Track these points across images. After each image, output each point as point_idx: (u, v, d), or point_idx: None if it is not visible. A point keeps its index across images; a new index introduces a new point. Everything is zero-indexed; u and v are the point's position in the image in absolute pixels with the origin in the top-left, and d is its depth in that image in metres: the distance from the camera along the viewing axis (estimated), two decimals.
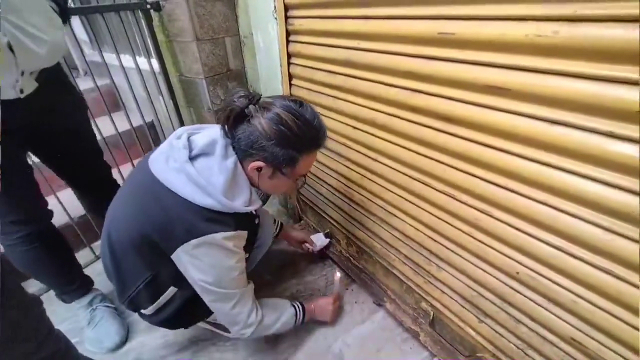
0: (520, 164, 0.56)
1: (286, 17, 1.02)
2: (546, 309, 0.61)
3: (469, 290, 0.76)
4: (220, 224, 0.70)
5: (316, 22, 0.92)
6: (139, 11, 1.35)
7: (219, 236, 0.69)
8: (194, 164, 0.69)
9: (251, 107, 0.66)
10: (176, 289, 0.82)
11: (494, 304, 0.71)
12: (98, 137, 1.11)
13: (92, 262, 1.36)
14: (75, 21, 1.77)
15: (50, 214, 0.96)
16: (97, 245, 1.39)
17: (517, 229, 0.61)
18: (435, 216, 0.77)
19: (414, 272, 0.92)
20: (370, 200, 0.98)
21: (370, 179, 0.95)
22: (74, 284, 1.07)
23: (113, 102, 1.59)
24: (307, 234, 1.28)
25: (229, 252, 0.72)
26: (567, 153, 0.50)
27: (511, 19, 0.50)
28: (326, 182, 1.18)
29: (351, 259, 1.22)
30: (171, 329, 0.97)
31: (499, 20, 0.52)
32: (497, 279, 0.68)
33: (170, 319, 0.86)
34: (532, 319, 0.65)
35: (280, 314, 0.90)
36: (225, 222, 0.70)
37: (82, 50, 1.33)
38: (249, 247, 0.84)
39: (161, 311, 0.85)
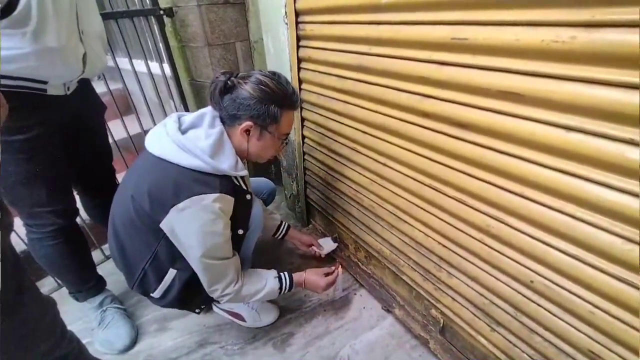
0: (535, 171, 0.55)
1: (297, 23, 1.03)
2: (562, 320, 0.60)
3: (480, 298, 0.75)
4: (207, 185, 0.76)
5: (327, 28, 0.92)
6: (152, 17, 1.38)
7: (205, 197, 0.74)
8: (184, 135, 0.78)
9: (233, 79, 0.78)
10: (175, 271, 0.88)
11: (507, 313, 0.70)
12: (109, 139, 1.14)
13: (101, 262, 1.38)
14: None
15: (77, 211, 1.01)
16: (107, 247, 1.41)
17: (531, 236, 0.60)
18: (446, 222, 0.77)
19: (424, 279, 0.91)
20: (380, 205, 0.98)
21: (379, 184, 0.94)
22: (89, 283, 1.09)
23: (125, 106, 1.62)
24: (314, 237, 1.28)
25: (214, 216, 0.76)
26: (584, 160, 0.49)
27: (527, 24, 0.50)
28: (334, 187, 1.18)
29: (359, 263, 1.21)
30: (181, 309, 1.02)
31: (514, 26, 0.51)
32: (510, 287, 0.67)
33: (177, 301, 0.93)
34: (547, 329, 0.63)
35: (263, 286, 0.93)
36: (211, 184, 0.76)
37: None
38: (244, 223, 0.91)
39: (167, 293, 0.91)
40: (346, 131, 1.00)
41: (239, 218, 0.86)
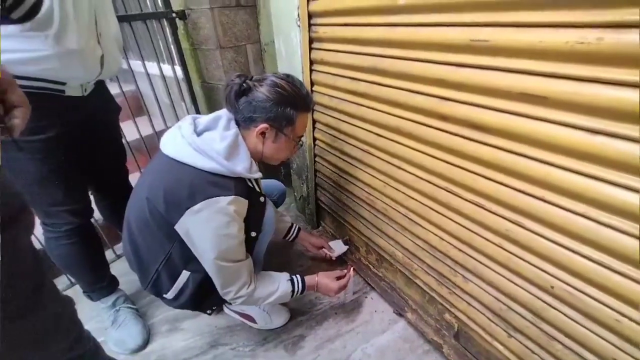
0: (557, 174, 0.54)
1: (309, 25, 1.03)
2: (584, 327, 0.58)
3: (497, 304, 0.74)
4: (222, 187, 0.76)
5: (340, 30, 0.92)
6: (165, 20, 1.40)
7: (220, 200, 0.75)
8: (199, 137, 0.79)
9: (248, 81, 0.79)
10: (189, 273, 0.88)
11: (525, 319, 0.69)
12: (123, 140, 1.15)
13: (113, 261, 1.39)
14: None
15: (92, 211, 1.03)
16: (118, 246, 1.43)
17: (552, 241, 0.58)
18: (462, 226, 0.76)
19: (438, 283, 0.89)
20: (393, 208, 0.97)
21: (393, 187, 0.94)
22: (103, 282, 1.10)
23: (137, 108, 1.64)
24: (325, 239, 1.28)
25: (229, 218, 0.77)
26: (609, 164, 0.48)
27: (550, 25, 0.49)
28: (346, 189, 1.17)
29: (370, 266, 1.20)
30: (194, 310, 1.02)
31: (537, 27, 0.50)
32: (529, 292, 0.66)
33: (190, 302, 0.93)
34: (568, 336, 0.62)
35: (276, 289, 0.92)
36: (226, 186, 0.77)
37: None
38: (257, 225, 0.90)
39: (180, 295, 0.91)
40: (359, 133, 1.00)
41: (252, 220, 0.87)
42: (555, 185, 0.55)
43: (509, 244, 0.67)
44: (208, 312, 1.04)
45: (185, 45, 1.50)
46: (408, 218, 0.92)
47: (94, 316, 1.15)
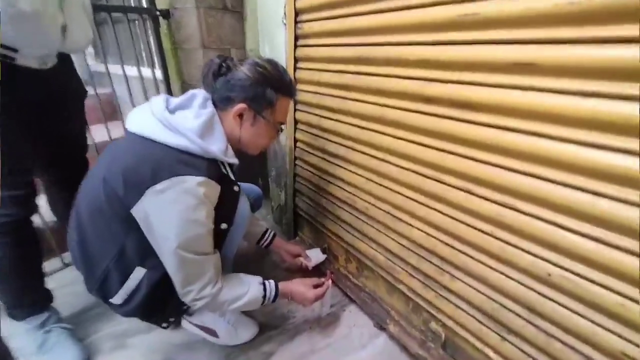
0: (548, 145, 0.52)
1: (295, 22, 1.03)
2: (585, 318, 0.53)
3: (489, 303, 0.67)
4: (192, 167, 0.68)
5: (327, 23, 0.92)
6: (148, 17, 1.36)
7: (189, 179, 0.66)
8: (171, 115, 0.71)
9: (229, 62, 0.75)
10: (144, 271, 0.75)
11: (520, 317, 0.62)
12: (90, 142, 1.07)
13: (57, 270, 1.22)
14: None
15: (35, 207, 0.88)
16: (67, 255, 1.25)
17: (547, 221, 0.54)
18: (451, 217, 0.71)
19: (423, 285, 0.82)
20: (375, 206, 0.92)
21: (376, 182, 0.89)
22: (34, 296, 0.92)
23: (111, 113, 1.54)
24: (302, 247, 1.19)
25: (198, 201, 0.67)
26: (604, 128, 0.46)
27: None
28: (326, 191, 1.12)
29: (350, 276, 1.11)
30: (146, 320, 0.86)
31: None
32: (523, 284, 0.60)
33: (141, 308, 0.79)
34: (568, 332, 0.56)
35: (245, 292, 0.81)
36: (197, 166, 0.68)
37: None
38: (229, 217, 0.80)
39: (131, 299, 0.77)
40: (342, 129, 0.96)
41: (224, 211, 0.78)
42: (548, 158, 0.52)
43: (501, 232, 0.62)
44: (163, 325, 0.89)
45: (166, 44, 1.46)
46: (391, 215, 0.87)
47: (21, 333, 0.96)
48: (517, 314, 0.63)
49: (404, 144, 0.77)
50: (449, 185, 0.69)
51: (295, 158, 1.25)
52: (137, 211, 0.68)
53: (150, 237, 0.71)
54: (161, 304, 0.82)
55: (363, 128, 0.88)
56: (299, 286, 0.91)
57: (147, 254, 0.73)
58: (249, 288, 0.82)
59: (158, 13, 1.37)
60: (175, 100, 0.77)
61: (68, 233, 0.82)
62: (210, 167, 0.71)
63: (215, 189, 0.72)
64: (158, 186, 0.65)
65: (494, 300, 0.66)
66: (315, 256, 1.18)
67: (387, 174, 0.85)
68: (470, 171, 0.64)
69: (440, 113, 0.67)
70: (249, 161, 0.90)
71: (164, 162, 0.67)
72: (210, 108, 0.75)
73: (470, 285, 0.70)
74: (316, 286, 0.94)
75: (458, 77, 0.62)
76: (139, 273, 0.76)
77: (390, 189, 0.85)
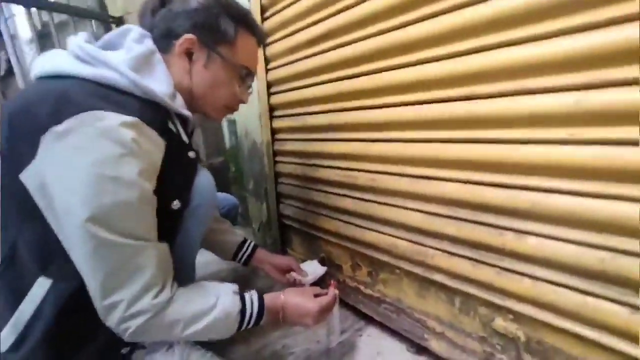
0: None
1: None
2: None
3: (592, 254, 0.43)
4: (116, 104, 0.45)
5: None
6: (100, 24, 1.23)
7: (107, 115, 0.43)
8: (91, 46, 0.50)
9: None
10: (49, 282, 0.47)
11: None
12: None
13: None
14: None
15: None
16: None
17: None
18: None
19: (474, 263, 0.56)
20: (385, 173, 0.69)
21: (381, 140, 0.68)
22: None
23: None
24: (293, 259, 0.90)
25: (122, 149, 0.43)
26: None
27: None
28: (315, 179, 0.89)
29: (361, 287, 0.83)
30: None
31: None
32: None
33: (45, 350, 0.47)
34: None
35: (211, 306, 0.52)
36: (124, 103, 0.46)
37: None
38: (184, 192, 0.56)
39: (28, 334, 0.47)
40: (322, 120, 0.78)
41: (174, 182, 0.53)
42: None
43: None
44: None
45: None
46: (409, 176, 0.64)
47: None
48: None
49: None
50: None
51: (275, 154, 1.04)
52: (28, 175, 0.44)
53: (52, 218, 0.45)
54: (79, 340, 0.51)
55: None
56: (295, 297, 0.62)
57: (52, 254, 0.47)
58: (217, 300, 0.53)
59: (111, 20, 1.25)
60: (102, 40, 0.56)
61: None
62: (146, 110, 0.48)
63: (154, 140, 0.49)
64: (59, 127, 0.42)
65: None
66: (312, 270, 0.89)
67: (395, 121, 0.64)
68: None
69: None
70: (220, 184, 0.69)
71: (71, 96, 0.44)
72: (148, 43, 0.54)
73: (552, 237, 0.46)
74: (317, 295, 0.65)
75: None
76: (40, 288, 0.47)
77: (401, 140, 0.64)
